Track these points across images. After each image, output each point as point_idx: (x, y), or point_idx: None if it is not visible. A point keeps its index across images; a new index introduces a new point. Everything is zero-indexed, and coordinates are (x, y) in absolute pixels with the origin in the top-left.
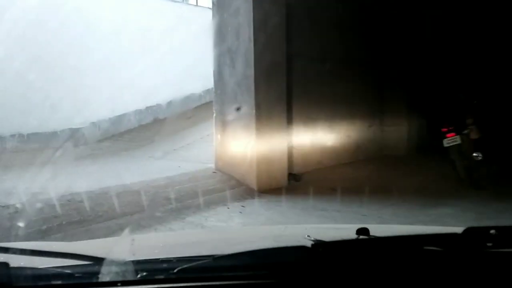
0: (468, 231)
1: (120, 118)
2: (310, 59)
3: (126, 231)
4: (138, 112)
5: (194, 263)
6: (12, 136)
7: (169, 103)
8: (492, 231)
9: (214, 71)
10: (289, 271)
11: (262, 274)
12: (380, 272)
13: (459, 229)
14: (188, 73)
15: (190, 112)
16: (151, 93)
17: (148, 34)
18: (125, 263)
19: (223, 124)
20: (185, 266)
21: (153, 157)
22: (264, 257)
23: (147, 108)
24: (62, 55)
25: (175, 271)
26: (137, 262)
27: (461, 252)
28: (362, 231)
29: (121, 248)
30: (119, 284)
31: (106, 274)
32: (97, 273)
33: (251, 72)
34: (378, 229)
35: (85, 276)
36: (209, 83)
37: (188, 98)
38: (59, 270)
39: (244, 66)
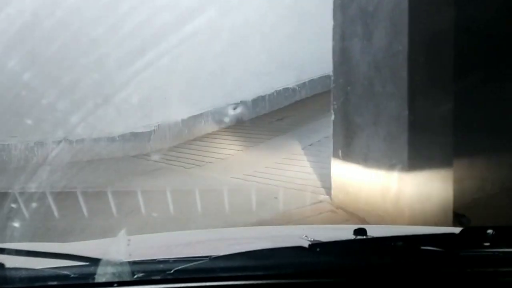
0: (465, 231)
1: (193, 120)
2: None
3: (122, 231)
4: (218, 111)
5: (191, 264)
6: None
7: (255, 101)
8: (490, 231)
9: (333, 49)
10: (286, 272)
11: (259, 274)
12: (377, 273)
13: (456, 229)
14: (275, 61)
15: (283, 112)
16: (234, 88)
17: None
18: (122, 263)
19: (349, 131)
20: (182, 266)
21: (232, 178)
22: (261, 258)
23: (227, 106)
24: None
25: (171, 271)
26: (133, 263)
27: (459, 252)
28: (360, 231)
29: (117, 249)
30: (115, 285)
31: (102, 275)
32: (93, 274)
33: (401, 45)
34: (375, 230)
35: (81, 277)
36: (304, 74)
37: (279, 94)
38: (55, 271)
39: (388, 36)
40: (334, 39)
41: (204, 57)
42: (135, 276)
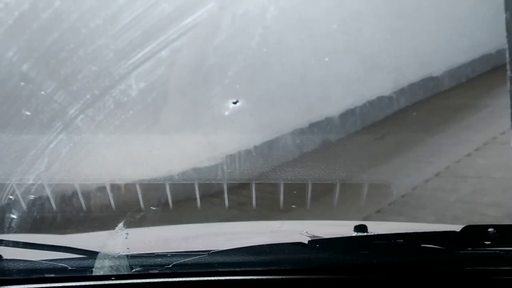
0: (466, 229)
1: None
2: None
3: (120, 224)
4: (297, 134)
5: (189, 258)
6: None
7: (343, 116)
8: (490, 229)
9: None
10: (285, 268)
11: (258, 270)
12: (377, 270)
13: (457, 227)
14: (365, 63)
15: (380, 128)
16: (315, 101)
17: None
18: (119, 257)
19: None
20: (181, 261)
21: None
22: (260, 253)
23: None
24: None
25: (170, 265)
26: (131, 256)
27: (459, 250)
28: (360, 228)
29: (115, 242)
30: (113, 278)
31: (100, 268)
32: (91, 267)
33: None
34: (376, 226)
35: (79, 270)
36: (402, 78)
37: (372, 105)
38: (52, 263)
39: None
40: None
41: (276, 63)
42: (133, 270)
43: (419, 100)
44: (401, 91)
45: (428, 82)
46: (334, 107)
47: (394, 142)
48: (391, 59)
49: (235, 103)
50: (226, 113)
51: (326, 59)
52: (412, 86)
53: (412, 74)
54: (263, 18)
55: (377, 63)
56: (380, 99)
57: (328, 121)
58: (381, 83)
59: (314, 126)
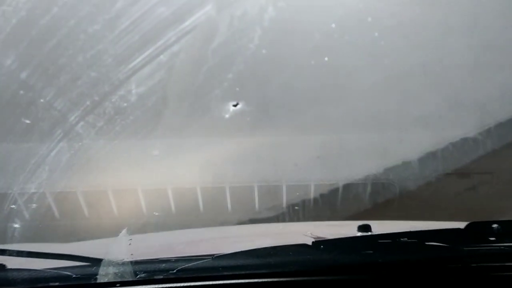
0: (470, 225)
1: None
2: None
3: (124, 231)
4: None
5: (193, 263)
6: None
7: (423, 160)
8: (495, 226)
9: None
10: (290, 270)
11: (263, 273)
12: (382, 269)
13: (461, 224)
14: (447, 99)
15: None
16: (390, 142)
17: None
18: (124, 263)
19: None
20: (185, 266)
21: None
22: (264, 256)
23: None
24: None
25: (174, 271)
26: (135, 263)
27: (464, 247)
28: (364, 227)
29: (119, 249)
30: (118, 285)
31: (104, 275)
32: (95, 274)
33: None
34: (379, 225)
35: (83, 277)
36: (487, 117)
37: (456, 148)
38: (56, 271)
39: None
40: None
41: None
42: (138, 276)
43: (507, 143)
44: (487, 132)
45: None
46: (410, 149)
47: (491, 193)
48: (474, 94)
49: (235, 105)
50: (227, 116)
51: (401, 94)
52: (499, 127)
53: (497, 113)
54: (261, 20)
55: (460, 99)
56: (464, 141)
57: (405, 166)
58: (464, 122)
59: (389, 171)
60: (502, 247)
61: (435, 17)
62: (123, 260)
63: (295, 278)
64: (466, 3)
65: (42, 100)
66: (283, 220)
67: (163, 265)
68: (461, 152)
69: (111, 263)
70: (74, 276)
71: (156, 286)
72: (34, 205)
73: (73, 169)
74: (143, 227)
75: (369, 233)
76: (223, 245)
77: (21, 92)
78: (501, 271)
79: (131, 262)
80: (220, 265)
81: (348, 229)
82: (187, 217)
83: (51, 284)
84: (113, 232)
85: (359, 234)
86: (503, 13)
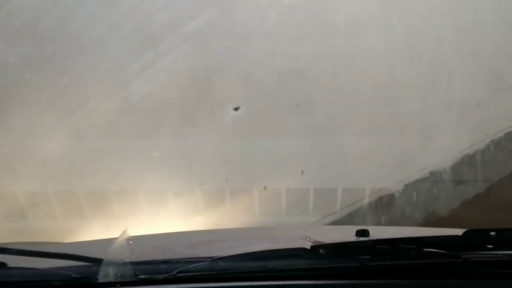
0: (468, 233)
1: None
2: None
3: (124, 231)
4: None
5: (193, 265)
6: None
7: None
8: (493, 233)
9: None
10: (288, 273)
11: (261, 276)
12: (380, 275)
13: (459, 231)
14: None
15: None
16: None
17: None
18: (124, 264)
19: None
20: (185, 267)
21: None
22: (263, 259)
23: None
24: None
25: (174, 272)
26: (135, 263)
27: (462, 254)
28: (362, 232)
29: (119, 249)
30: (118, 286)
31: (104, 275)
32: (95, 274)
33: None
34: (377, 231)
35: (83, 277)
36: None
37: (498, 147)
38: (57, 271)
39: None
40: None
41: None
42: (138, 277)
43: None
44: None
45: None
46: (441, 152)
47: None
48: None
49: (236, 109)
50: (228, 119)
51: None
52: None
53: None
54: (263, 25)
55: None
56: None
57: (433, 176)
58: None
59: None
60: (499, 255)
61: None
62: (123, 261)
63: (293, 282)
64: None
65: (44, 101)
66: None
67: (163, 266)
68: (505, 152)
69: (111, 264)
70: (74, 275)
71: (156, 287)
72: (36, 204)
73: (75, 169)
74: (143, 228)
75: (367, 238)
76: (222, 247)
77: (24, 92)
78: (498, 278)
79: (131, 263)
80: (219, 268)
81: (346, 233)
82: (188, 218)
83: (52, 283)
84: (114, 233)
85: (357, 238)
86: None
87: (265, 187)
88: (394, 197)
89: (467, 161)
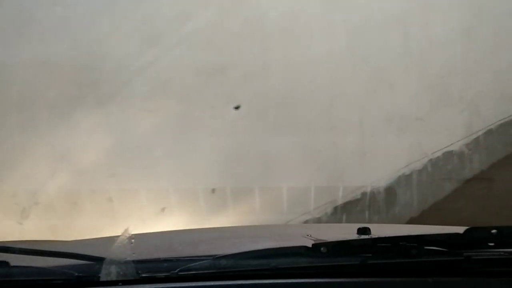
0: (469, 231)
1: None
2: None
3: (126, 230)
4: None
5: (195, 263)
6: None
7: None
8: (494, 231)
9: None
10: (290, 271)
11: (263, 274)
12: (381, 272)
13: (460, 229)
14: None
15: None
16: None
17: None
18: (126, 262)
19: None
20: (187, 265)
21: None
22: (265, 257)
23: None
24: None
25: (176, 270)
26: (137, 261)
27: (463, 252)
28: (363, 230)
29: (121, 247)
30: (120, 284)
31: (107, 274)
32: (97, 273)
33: None
34: (379, 228)
35: (85, 276)
36: None
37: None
38: (59, 269)
39: None
40: None
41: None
42: (140, 275)
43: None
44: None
45: None
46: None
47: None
48: None
49: (237, 108)
50: (228, 118)
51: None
52: None
53: None
54: (263, 23)
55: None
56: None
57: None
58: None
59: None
60: (501, 253)
61: None
62: (125, 259)
63: (295, 280)
64: None
65: (46, 100)
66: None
67: (165, 264)
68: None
69: (113, 262)
70: (76, 274)
71: (158, 285)
72: (38, 203)
73: (78, 168)
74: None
75: (369, 236)
76: (223, 246)
77: (25, 91)
78: (499, 276)
79: (133, 261)
80: (221, 266)
81: (347, 231)
82: (188, 218)
83: (54, 282)
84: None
85: (359, 236)
86: None
87: (213, 190)
88: (321, 221)
89: (403, 181)
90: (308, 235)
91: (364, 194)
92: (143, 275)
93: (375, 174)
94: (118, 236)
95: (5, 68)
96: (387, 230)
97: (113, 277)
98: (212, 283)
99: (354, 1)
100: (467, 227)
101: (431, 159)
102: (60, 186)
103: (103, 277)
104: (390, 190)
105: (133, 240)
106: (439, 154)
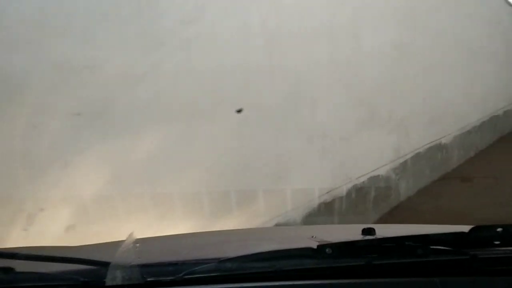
0: (475, 229)
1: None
2: None
3: (131, 234)
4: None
5: (200, 267)
6: None
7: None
8: (499, 229)
9: None
10: (295, 273)
11: (268, 276)
12: (387, 273)
13: (465, 228)
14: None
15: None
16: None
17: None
18: (131, 266)
19: None
20: (192, 269)
21: None
22: (270, 259)
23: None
24: None
25: (181, 274)
26: (143, 266)
27: (468, 251)
28: (368, 231)
29: (126, 252)
30: None
31: (112, 278)
32: (103, 278)
33: None
34: (383, 229)
35: (91, 281)
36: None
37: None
38: (65, 275)
39: None
40: None
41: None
42: (145, 280)
43: None
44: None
45: None
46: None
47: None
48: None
49: (239, 111)
50: (230, 122)
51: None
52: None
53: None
54: (264, 28)
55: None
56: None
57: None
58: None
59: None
60: (507, 251)
61: None
62: (131, 264)
63: (300, 282)
64: None
65: (46, 107)
66: None
67: (170, 268)
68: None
69: (118, 267)
70: (82, 279)
71: None
72: (43, 209)
73: (81, 174)
74: (149, 230)
75: (374, 237)
76: (228, 249)
77: (26, 98)
78: (506, 275)
79: (138, 265)
80: (226, 269)
81: (352, 232)
82: (189, 221)
83: (60, 287)
84: (120, 236)
85: (364, 237)
86: None
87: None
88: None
89: (324, 210)
90: (313, 237)
91: (278, 225)
92: (149, 279)
93: (292, 202)
94: (123, 240)
95: (14, 75)
96: (392, 230)
97: (118, 281)
98: (217, 286)
99: (275, 7)
100: (472, 226)
101: (355, 185)
102: (65, 192)
103: (108, 282)
104: (308, 221)
105: (138, 245)
106: (364, 179)
